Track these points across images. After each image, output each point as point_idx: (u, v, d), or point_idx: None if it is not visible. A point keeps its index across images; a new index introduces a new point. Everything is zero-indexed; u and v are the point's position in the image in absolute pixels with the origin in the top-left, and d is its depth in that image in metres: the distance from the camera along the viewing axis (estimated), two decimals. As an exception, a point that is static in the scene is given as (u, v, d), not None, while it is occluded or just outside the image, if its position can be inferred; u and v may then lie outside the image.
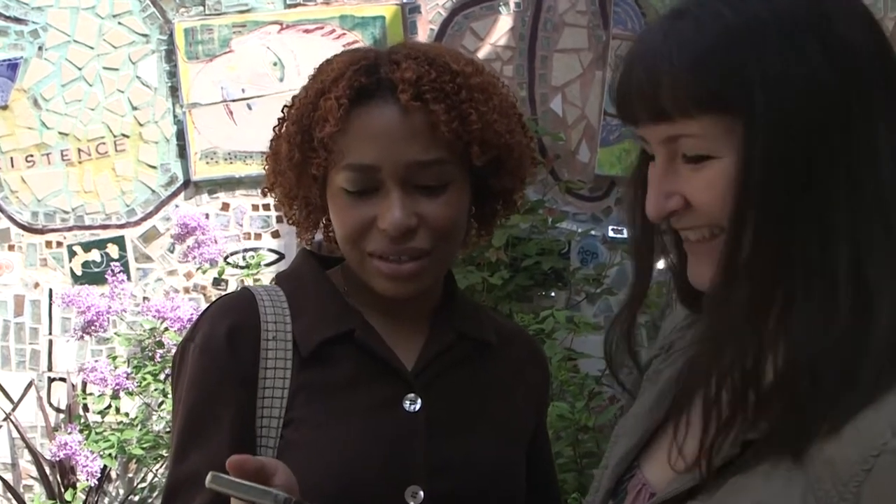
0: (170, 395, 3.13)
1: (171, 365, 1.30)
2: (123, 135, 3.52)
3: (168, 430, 3.27)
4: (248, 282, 3.39)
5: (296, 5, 3.49)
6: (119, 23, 3.51)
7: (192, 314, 2.97)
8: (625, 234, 3.41)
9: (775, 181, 0.80)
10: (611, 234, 3.43)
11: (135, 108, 3.52)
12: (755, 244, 0.81)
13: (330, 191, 1.21)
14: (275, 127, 1.27)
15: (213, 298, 3.51)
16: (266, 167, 1.30)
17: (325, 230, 1.30)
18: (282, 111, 1.26)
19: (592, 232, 3.40)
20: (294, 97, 1.25)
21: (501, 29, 3.47)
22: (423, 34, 3.47)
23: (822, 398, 0.77)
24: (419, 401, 1.21)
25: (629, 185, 0.95)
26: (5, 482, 3.49)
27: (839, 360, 0.77)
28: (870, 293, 0.78)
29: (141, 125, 3.52)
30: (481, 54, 3.47)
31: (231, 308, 1.24)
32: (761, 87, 0.80)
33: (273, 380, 1.20)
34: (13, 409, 3.51)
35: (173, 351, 3.15)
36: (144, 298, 3.45)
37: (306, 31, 3.49)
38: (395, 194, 1.16)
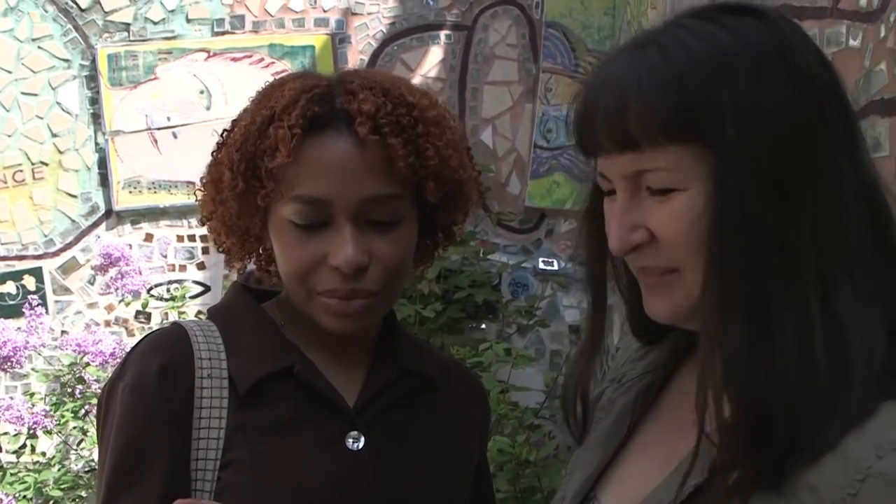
0: (90, 434, 3.04)
1: (96, 405, 1.23)
2: (42, 162, 3.41)
3: (87, 469, 3.15)
4: (173, 314, 3.31)
5: (223, 33, 3.43)
6: (39, 47, 3.40)
7: (114, 348, 2.87)
8: (555, 266, 3.43)
9: (749, 211, 0.79)
10: (541, 265, 3.44)
11: (54, 135, 3.41)
12: (729, 275, 0.80)
13: (274, 222, 1.15)
14: (213, 152, 1.21)
15: (136, 332, 3.44)
16: (202, 195, 1.22)
17: (258, 260, 1.23)
18: (221, 135, 1.20)
19: (524, 264, 3.41)
20: (235, 121, 1.19)
21: (432, 60, 3.48)
22: (353, 64, 3.45)
23: (801, 428, 0.76)
24: (363, 439, 1.17)
25: (582, 220, 0.94)
26: (-90, 527, 3.31)
27: (817, 391, 0.77)
28: (840, 325, 0.78)
29: (61, 153, 3.41)
30: (412, 85, 3.46)
31: (163, 344, 1.17)
32: (733, 117, 0.79)
33: (209, 419, 1.14)
34: (-80, 450, 3.33)
35: (94, 387, 3.07)
36: (63, 332, 3.33)
37: (234, 59, 3.43)
38: (347, 230, 1.11)
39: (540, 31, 3.47)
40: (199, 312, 3.43)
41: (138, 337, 3.46)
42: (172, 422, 1.13)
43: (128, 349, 2.91)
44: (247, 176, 1.12)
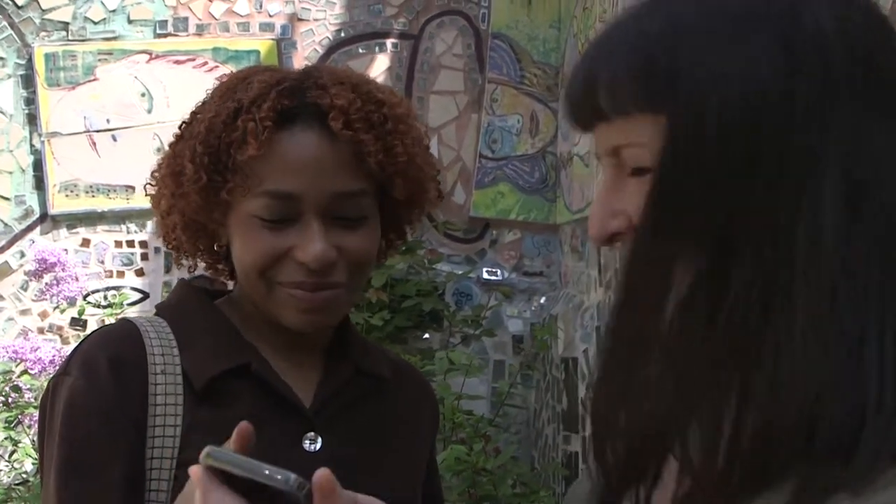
0: (21, 444, 2.95)
1: (39, 404, 1.18)
2: (-26, 164, 3.30)
3: (19, 482, 3.05)
4: (110, 321, 3.22)
5: (166, 35, 3.38)
6: (-28, 45, 3.30)
7: (53, 355, 2.79)
8: (499, 276, 3.45)
9: (682, 196, 0.67)
10: (485, 275, 3.46)
11: (-13, 136, 3.31)
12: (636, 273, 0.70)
13: (237, 217, 1.11)
14: (170, 144, 1.17)
15: (70, 339, 3.34)
16: (156, 190, 1.18)
17: (209, 256, 1.21)
18: (179, 127, 1.17)
19: (469, 274, 3.41)
20: (194, 113, 1.15)
21: (378, 68, 3.47)
22: (300, 70, 3.42)
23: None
24: (319, 440, 1.14)
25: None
26: None
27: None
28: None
29: (-6, 154, 3.31)
30: (358, 93, 3.45)
31: (112, 339, 1.13)
32: (695, 86, 0.66)
33: (164, 416, 1.10)
34: None
35: (27, 396, 2.97)
36: (-7, 339, 3.23)
37: (177, 61, 3.37)
38: (315, 225, 1.09)
39: (486, 42, 3.49)
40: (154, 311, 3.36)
41: (73, 345, 3.37)
42: (126, 417, 1.09)
43: (67, 355, 2.84)
44: (210, 169, 1.09)
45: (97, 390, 1.09)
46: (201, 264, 1.25)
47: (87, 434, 1.09)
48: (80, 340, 1.19)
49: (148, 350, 1.11)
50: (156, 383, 1.10)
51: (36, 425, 2.92)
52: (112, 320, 3.20)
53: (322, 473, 0.70)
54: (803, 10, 0.67)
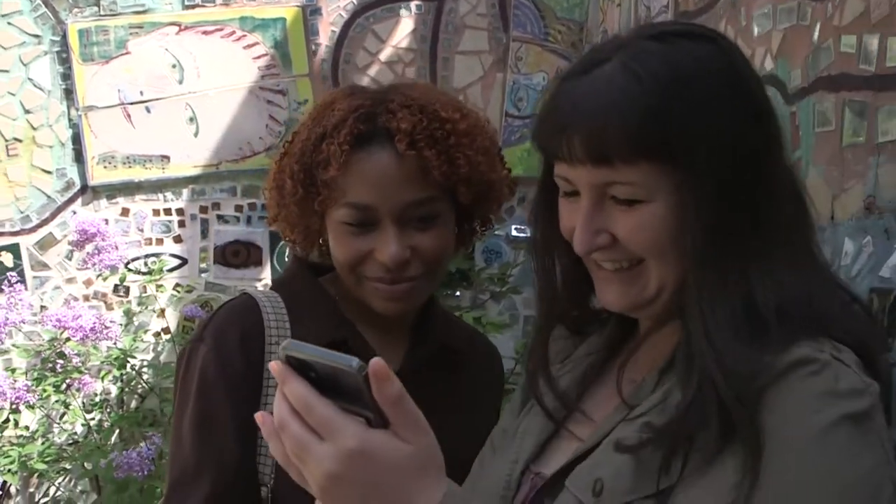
0: (71, 407, 3.08)
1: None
2: (16, 139, 3.42)
3: (70, 442, 3.20)
4: (151, 288, 3.34)
5: (194, 6, 3.44)
6: (9, 23, 3.40)
7: (94, 323, 2.91)
8: (528, 234, 3.48)
9: (712, 218, 0.91)
10: (514, 232, 3.50)
11: (27, 112, 3.42)
12: (704, 266, 0.91)
13: (330, 222, 1.33)
14: (276, 161, 1.39)
15: (114, 306, 3.47)
16: (268, 198, 1.42)
17: (320, 248, 1.42)
18: (283, 146, 1.38)
19: (496, 231, 3.45)
20: (295, 134, 1.36)
21: (403, 31, 3.50)
22: (325, 36, 3.46)
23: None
24: None
25: (533, 212, 1.02)
26: None
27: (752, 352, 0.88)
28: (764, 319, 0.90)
29: (34, 129, 3.42)
30: (383, 56, 3.49)
31: (239, 314, 1.35)
32: (702, 144, 0.90)
33: (275, 387, 1.32)
34: None
35: (74, 361, 3.10)
36: (42, 307, 3.36)
37: (205, 32, 3.44)
38: (391, 231, 1.29)
39: (510, 1, 3.49)
40: (178, 285, 3.47)
41: (117, 311, 3.49)
42: (248, 385, 1.30)
43: (108, 323, 2.97)
44: (305, 184, 1.32)
45: (227, 361, 1.31)
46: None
47: (216, 398, 1.30)
48: (211, 312, 1.42)
49: (265, 323, 1.33)
50: (271, 352, 1.31)
51: (85, 388, 3.06)
52: (153, 287, 3.33)
53: (377, 360, 0.81)
54: (743, 75, 0.94)
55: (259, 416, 0.86)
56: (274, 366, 0.83)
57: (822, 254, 0.99)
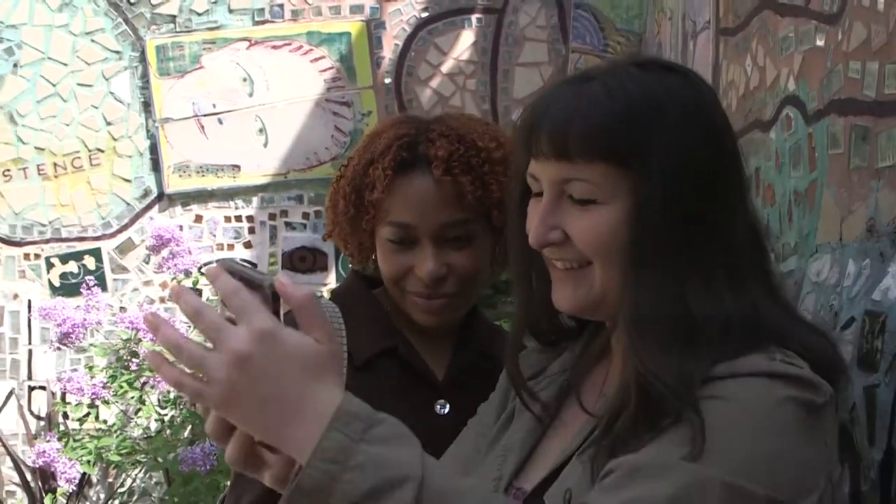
0: (147, 403, 3.26)
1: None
2: (98, 149, 3.63)
3: (144, 436, 3.38)
4: (221, 291, 3.50)
5: (264, 22, 3.59)
6: (92, 40, 3.60)
7: (165, 325, 3.07)
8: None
9: (662, 228, 0.96)
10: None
11: (109, 124, 3.62)
12: (643, 274, 0.97)
13: (377, 239, 1.48)
14: (333, 182, 1.55)
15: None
16: (326, 216, 1.58)
17: (374, 263, 1.55)
18: (339, 169, 1.54)
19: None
20: (349, 159, 1.52)
21: (464, 44, 3.59)
22: (388, 49, 3.58)
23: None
24: (448, 406, 1.48)
25: (511, 217, 1.09)
26: (-13, 489, 3.60)
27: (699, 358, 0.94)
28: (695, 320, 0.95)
29: (115, 140, 3.63)
30: (444, 68, 3.59)
31: None
32: (658, 155, 0.96)
33: None
34: (-7, 418, 3.61)
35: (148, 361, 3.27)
36: (121, 308, 3.55)
37: (274, 47, 3.59)
38: (428, 249, 1.43)
39: (569, 13, 3.55)
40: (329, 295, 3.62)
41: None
42: None
43: (180, 324, 3.12)
44: (356, 204, 1.47)
45: None
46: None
47: None
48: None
49: None
50: None
51: (159, 386, 3.23)
52: (223, 290, 3.49)
53: (280, 275, 0.89)
54: (707, 106, 1.02)
55: (209, 269, 0.89)
56: (211, 269, 0.88)
57: (781, 283, 1.05)
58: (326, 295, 3.50)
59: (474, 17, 3.58)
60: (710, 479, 0.86)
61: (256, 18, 3.59)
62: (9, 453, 3.57)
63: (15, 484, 3.61)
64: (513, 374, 1.14)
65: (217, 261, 0.93)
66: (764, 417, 0.89)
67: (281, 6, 3.59)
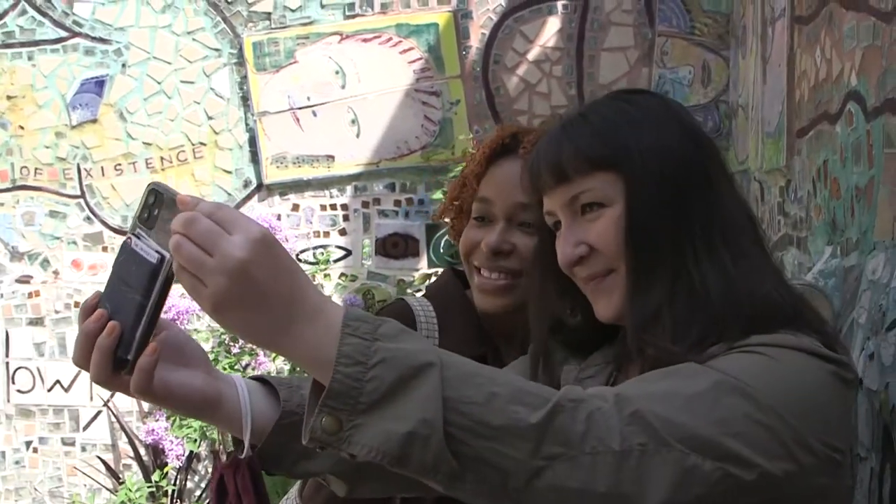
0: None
1: None
2: (201, 143, 3.81)
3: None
4: (319, 277, 3.66)
5: (354, 16, 3.70)
6: (193, 39, 3.78)
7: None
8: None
9: (651, 217, 1.06)
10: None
11: (210, 118, 3.80)
12: (642, 259, 1.06)
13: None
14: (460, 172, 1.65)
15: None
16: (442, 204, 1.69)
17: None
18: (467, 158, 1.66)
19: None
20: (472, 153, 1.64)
21: (550, 31, 3.62)
22: (475, 38, 3.64)
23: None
24: None
25: (533, 259, 1.16)
26: (105, 463, 3.85)
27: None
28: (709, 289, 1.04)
29: (216, 133, 3.80)
30: (531, 56, 3.63)
31: (398, 319, 1.55)
32: (638, 153, 1.07)
33: None
34: (111, 396, 3.85)
35: (250, 345, 3.45)
36: (224, 294, 3.74)
37: (365, 40, 3.70)
38: (499, 224, 1.51)
39: (655, -4, 3.54)
40: (343, 274, 3.77)
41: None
42: None
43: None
44: (461, 184, 1.59)
45: None
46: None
47: None
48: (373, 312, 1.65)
49: (418, 330, 1.51)
50: None
51: (260, 368, 3.40)
52: (320, 276, 3.65)
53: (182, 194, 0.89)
54: (680, 111, 1.14)
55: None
56: (183, 196, 0.89)
57: (782, 267, 1.10)
58: (417, 280, 3.62)
59: (559, 4, 3.61)
60: (743, 386, 0.92)
61: (347, 13, 3.70)
62: (124, 430, 3.82)
63: (130, 458, 3.86)
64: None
65: (152, 183, 0.97)
66: (802, 374, 0.95)
67: (371, 0, 3.69)
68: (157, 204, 0.92)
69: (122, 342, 0.93)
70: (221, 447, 3.66)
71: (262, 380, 1.10)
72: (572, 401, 0.88)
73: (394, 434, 0.82)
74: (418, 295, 1.64)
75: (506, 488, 0.86)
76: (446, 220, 1.65)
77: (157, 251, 0.91)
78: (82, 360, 0.95)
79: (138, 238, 0.93)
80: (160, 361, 0.95)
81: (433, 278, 3.69)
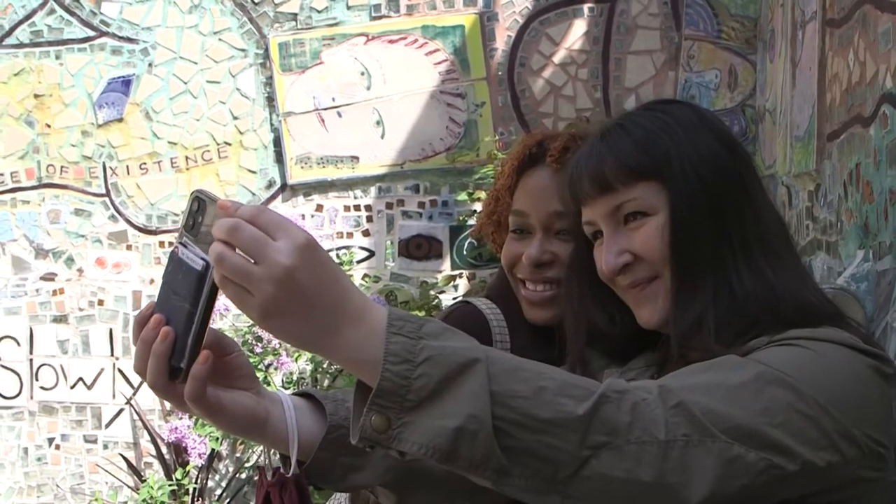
0: (270, 385, 3.45)
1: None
2: (226, 143, 3.82)
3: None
4: (341, 278, 3.66)
5: (380, 17, 3.71)
6: (219, 39, 3.80)
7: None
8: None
9: (693, 223, 1.08)
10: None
11: (235, 118, 3.81)
12: (685, 262, 1.08)
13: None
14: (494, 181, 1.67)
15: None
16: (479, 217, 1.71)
17: None
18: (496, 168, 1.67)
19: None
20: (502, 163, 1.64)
21: (576, 33, 3.61)
22: (501, 41, 3.64)
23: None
24: None
25: (569, 268, 1.17)
26: (127, 460, 3.87)
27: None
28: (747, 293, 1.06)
29: (241, 133, 3.81)
30: (557, 59, 3.62)
31: (472, 323, 1.54)
32: (678, 162, 1.10)
33: None
34: (133, 394, 3.87)
35: (273, 343, 3.46)
36: (247, 293, 3.74)
37: (391, 41, 3.70)
38: (538, 235, 1.51)
39: (682, 0, 3.53)
40: (366, 275, 3.77)
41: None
42: None
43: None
44: (495, 198, 1.61)
45: None
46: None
47: None
48: (441, 315, 1.63)
49: (492, 334, 1.53)
50: None
51: (283, 367, 3.40)
52: (342, 277, 3.65)
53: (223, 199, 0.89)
54: (712, 120, 1.16)
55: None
56: (224, 201, 0.88)
57: (809, 268, 1.11)
58: (440, 282, 3.60)
59: (586, 7, 3.60)
60: (785, 377, 0.92)
61: (373, 14, 3.71)
62: (146, 428, 3.83)
63: (152, 456, 3.87)
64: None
65: (196, 190, 0.94)
66: (844, 367, 0.96)
67: (397, 2, 3.69)
68: (201, 211, 0.92)
69: (175, 351, 0.94)
70: (267, 463, 3.67)
71: (306, 395, 1.12)
72: (617, 392, 0.88)
73: (442, 430, 0.83)
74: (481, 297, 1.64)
75: (554, 480, 0.86)
76: (485, 237, 1.67)
77: (202, 258, 0.91)
78: (142, 369, 0.96)
79: (185, 247, 0.93)
80: (215, 378, 0.96)
81: (457, 280, 3.69)
